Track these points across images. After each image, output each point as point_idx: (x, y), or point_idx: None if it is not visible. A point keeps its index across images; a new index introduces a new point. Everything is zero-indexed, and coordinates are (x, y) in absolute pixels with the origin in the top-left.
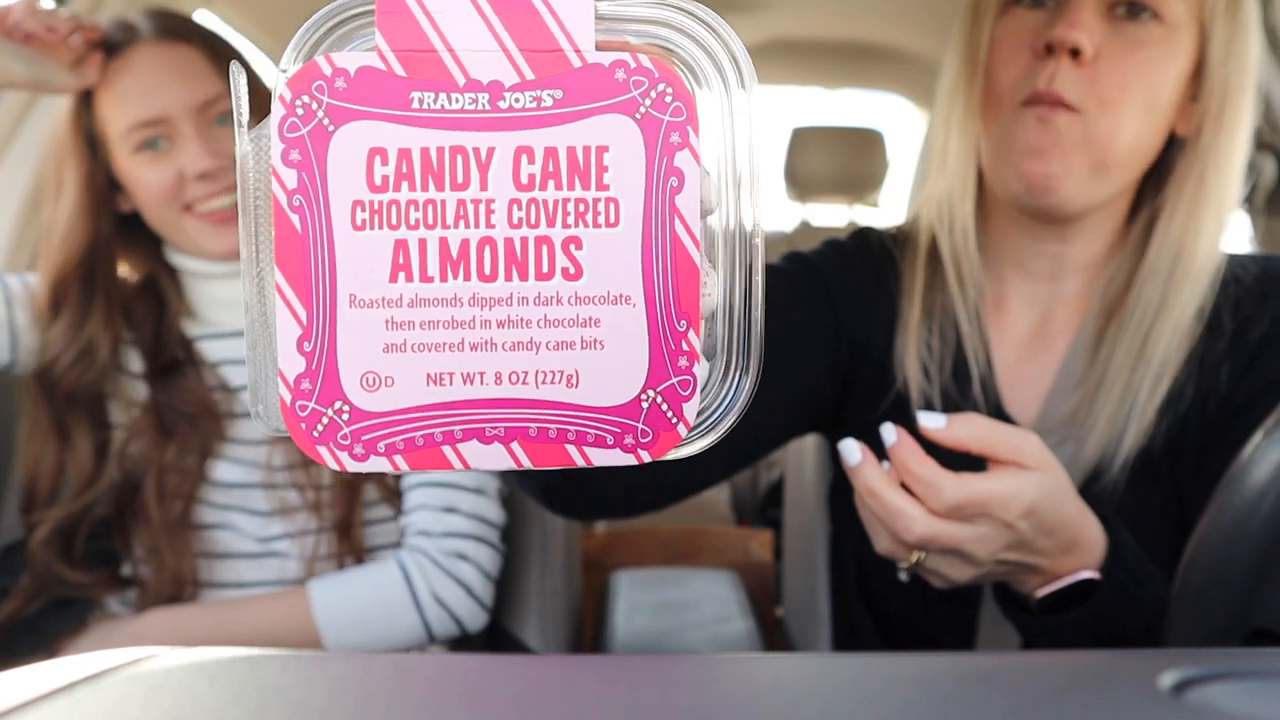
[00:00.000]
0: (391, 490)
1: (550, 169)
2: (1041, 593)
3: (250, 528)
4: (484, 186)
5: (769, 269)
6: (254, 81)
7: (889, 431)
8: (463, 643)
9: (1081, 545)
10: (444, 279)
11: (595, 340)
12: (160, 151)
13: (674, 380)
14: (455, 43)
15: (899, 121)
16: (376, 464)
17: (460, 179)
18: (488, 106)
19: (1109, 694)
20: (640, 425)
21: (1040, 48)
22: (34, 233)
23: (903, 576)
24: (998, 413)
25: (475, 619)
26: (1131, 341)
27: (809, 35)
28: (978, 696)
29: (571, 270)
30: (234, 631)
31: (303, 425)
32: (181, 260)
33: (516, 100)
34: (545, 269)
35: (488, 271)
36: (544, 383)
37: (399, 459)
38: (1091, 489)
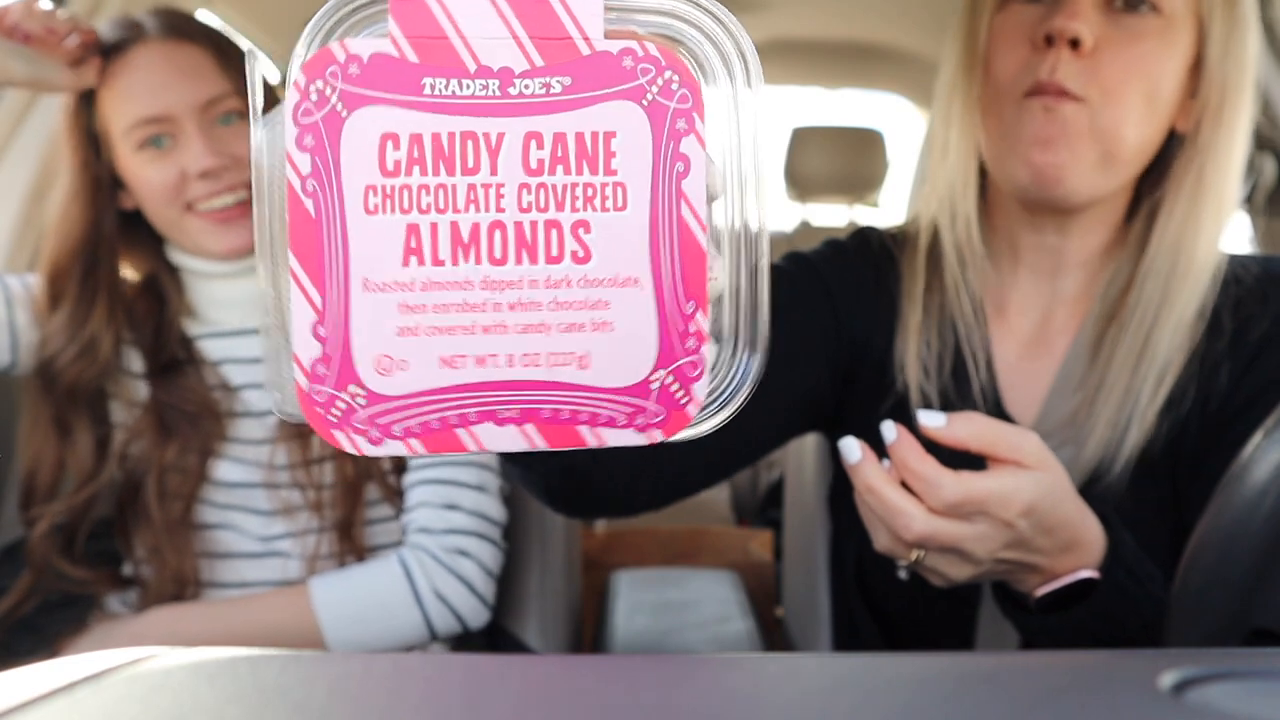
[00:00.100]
0: (393, 489)
1: (559, 154)
2: (1041, 592)
3: (252, 527)
4: (494, 171)
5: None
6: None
7: (889, 429)
8: (463, 642)
9: (1081, 544)
10: (455, 262)
11: (605, 322)
12: (163, 150)
13: (683, 361)
14: (467, 30)
15: (899, 121)
16: (392, 447)
17: (471, 164)
18: (498, 93)
19: (1108, 694)
20: (651, 405)
21: (1039, 39)
22: (35, 232)
23: (902, 575)
24: (998, 413)
25: (477, 616)
26: (1133, 342)
27: (809, 35)
28: (978, 696)
29: (580, 253)
30: (235, 630)
31: (319, 410)
32: (182, 259)
33: (526, 87)
34: (555, 252)
35: (498, 255)
36: (555, 364)
37: (414, 442)
38: (1092, 490)
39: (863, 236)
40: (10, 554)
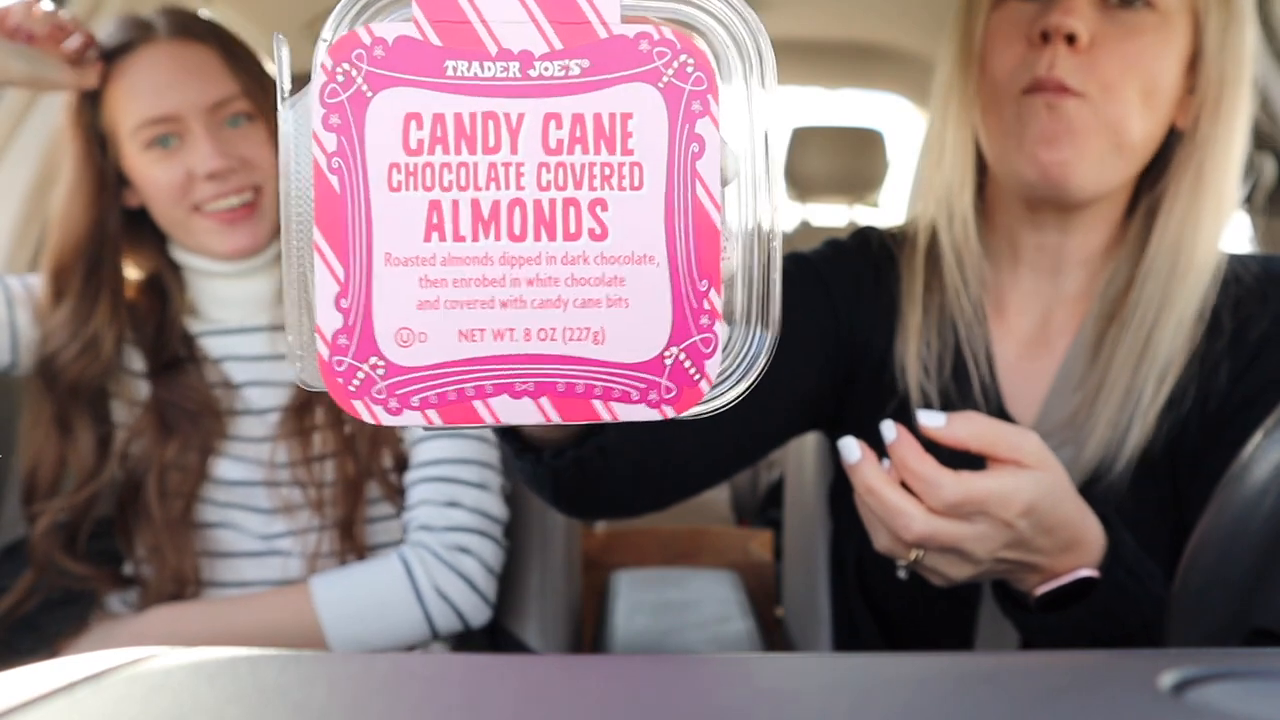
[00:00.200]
0: (393, 487)
1: (577, 134)
2: (1040, 591)
3: (252, 526)
4: (514, 150)
5: None
6: (265, 76)
7: (889, 429)
8: (464, 642)
9: (1081, 544)
10: (475, 239)
11: (620, 299)
12: (170, 150)
13: (696, 338)
14: (488, 14)
15: (899, 121)
16: (410, 418)
17: (491, 143)
18: (518, 75)
19: (1108, 694)
20: (664, 381)
21: (1036, 36)
22: (35, 231)
23: (901, 574)
24: (998, 413)
25: (478, 613)
26: (1133, 342)
27: (809, 35)
28: (978, 696)
29: (597, 231)
30: (236, 629)
31: (339, 380)
32: (186, 257)
33: (546, 69)
34: (572, 229)
35: (517, 231)
36: (571, 339)
37: (432, 413)
38: (1092, 490)
39: (863, 236)
40: (11, 553)
